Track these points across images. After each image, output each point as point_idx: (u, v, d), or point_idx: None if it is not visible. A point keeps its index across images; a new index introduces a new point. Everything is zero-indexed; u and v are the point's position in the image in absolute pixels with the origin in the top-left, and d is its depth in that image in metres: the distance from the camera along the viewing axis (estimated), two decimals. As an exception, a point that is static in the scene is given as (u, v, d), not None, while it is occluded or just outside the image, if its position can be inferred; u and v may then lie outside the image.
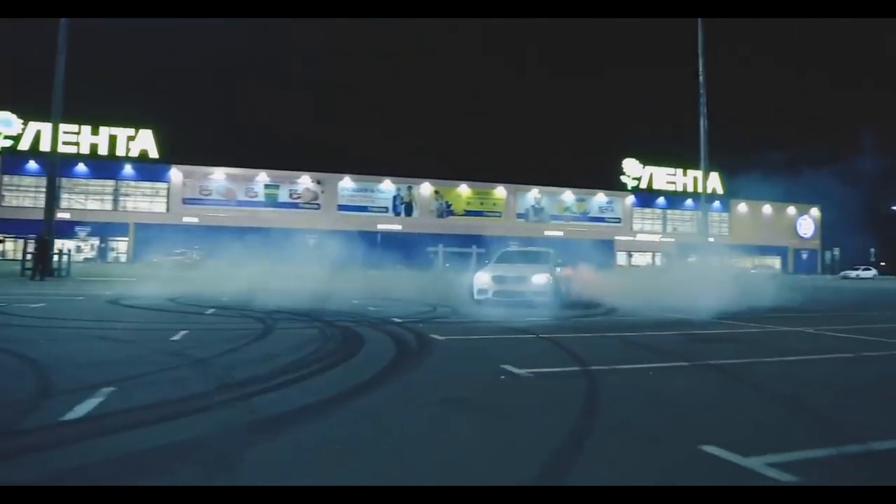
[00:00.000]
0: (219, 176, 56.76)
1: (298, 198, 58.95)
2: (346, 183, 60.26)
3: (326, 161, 58.39)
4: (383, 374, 5.17)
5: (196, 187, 56.27)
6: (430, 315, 11.17)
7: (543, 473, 2.80)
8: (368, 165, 60.68)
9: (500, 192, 63.67)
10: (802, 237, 73.60)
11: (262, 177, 57.84)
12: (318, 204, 59.18)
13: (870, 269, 61.34)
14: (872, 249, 72.54)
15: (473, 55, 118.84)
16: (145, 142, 54.01)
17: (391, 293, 16.95)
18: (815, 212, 74.48)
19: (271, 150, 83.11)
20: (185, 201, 55.58)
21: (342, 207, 59.59)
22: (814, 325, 10.23)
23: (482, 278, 13.77)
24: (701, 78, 30.08)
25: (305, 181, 58.98)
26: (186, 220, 52.71)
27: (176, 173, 55.39)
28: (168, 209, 55.07)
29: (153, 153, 54.15)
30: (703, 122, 30.11)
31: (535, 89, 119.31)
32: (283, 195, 58.57)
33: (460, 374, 5.44)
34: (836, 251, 72.26)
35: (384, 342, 7.14)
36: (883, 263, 70.98)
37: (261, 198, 57.93)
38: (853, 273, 58.38)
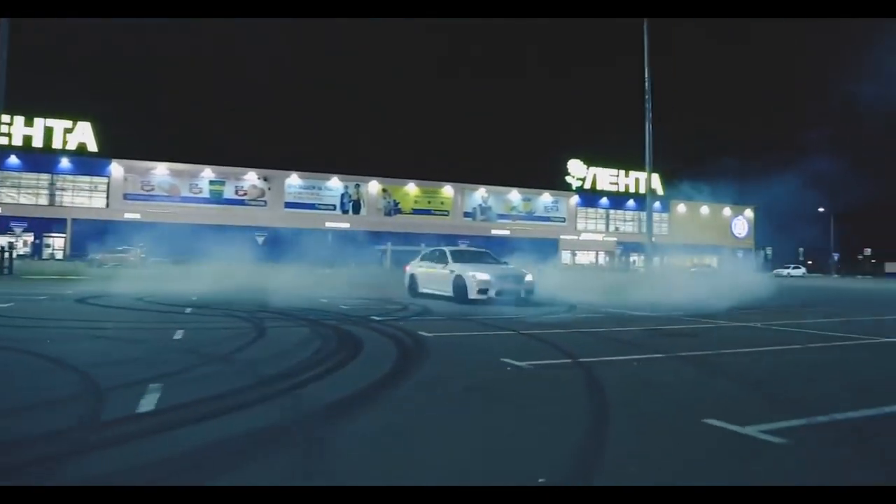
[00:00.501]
0: (162, 171, 55.28)
1: (245, 194, 58.00)
2: (294, 180, 59.63)
3: (273, 158, 57.84)
4: (398, 367, 5.56)
5: (138, 182, 54.64)
6: (405, 313, 11.51)
7: (585, 445, 3.32)
8: (316, 163, 60.33)
9: (447, 191, 64.13)
10: (737, 237, 76.74)
11: (207, 173, 56.65)
12: (264, 201, 58.37)
13: (799, 268, 64.89)
14: (801, 249, 76.47)
15: (423, 57, 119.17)
16: (83, 134, 52.11)
17: (354, 291, 17.18)
18: (748, 213, 77.80)
19: (217, 146, 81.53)
20: (127, 197, 53.91)
21: (289, 205, 58.95)
22: (760, 320, 11.03)
23: (482, 277, 14.05)
24: (647, 85, 30.94)
25: (252, 178, 58.08)
26: (128, 216, 51.15)
27: (116, 168, 53.67)
28: (108, 205, 53.32)
29: (92, 146, 52.31)
30: (648, 127, 31.00)
31: (484, 90, 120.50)
32: (228, 192, 57.48)
33: (467, 366, 5.91)
34: (769, 250, 75.86)
35: (379, 340, 7.51)
36: (810, 262, 74.90)
37: (206, 194, 56.71)
38: (785, 271, 61.47)
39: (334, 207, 60.88)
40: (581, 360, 6.05)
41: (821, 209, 73.47)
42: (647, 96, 30.71)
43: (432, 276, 15.97)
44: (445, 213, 64.03)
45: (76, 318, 9.64)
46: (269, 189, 58.41)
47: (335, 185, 61.03)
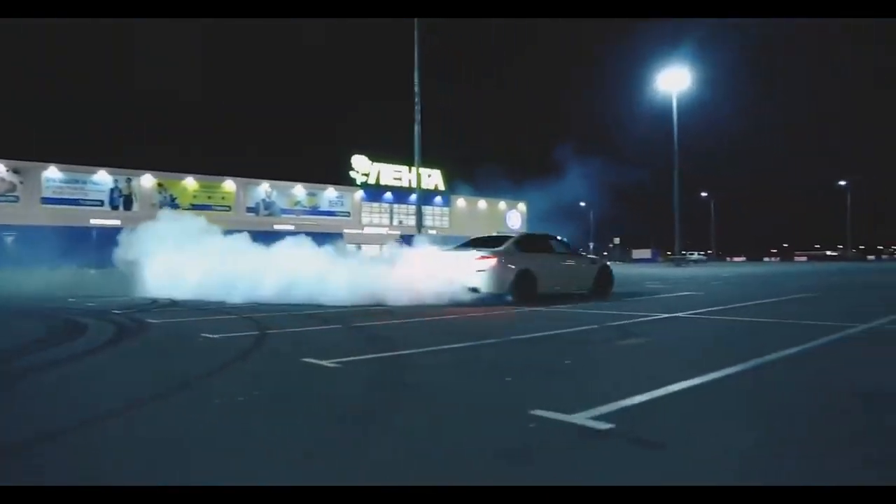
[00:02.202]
0: None
1: (-10, 189, 52.08)
2: (52, 173, 54.61)
3: (27, 148, 52.66)
4: (116, 337, 6.79)
5: None
6: (151, 306, 12.30)
7: (246, 355, 4.80)
8: (80, 155, 55.89)
9: (228, 185, 62.86)
10: (511, 228, 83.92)
11: (-59, 164, 50.05)
12: (16, 196, 52.84)
13: (561, 256, 73.17)
14: (564, 239, 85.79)
15: (203, 45, 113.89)
16: None
17: (107, 290, 17.07)
18: (521, 206, 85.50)
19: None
20: None
21: (47, 200, 53.93)
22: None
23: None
24: (417, 88, 33.29)
25: (-1, 170, 52.29)
26: None
27: None
28: None
29: None
30: (417, 129, 33.47)
31: (267, 84, 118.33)
32: (-31, 186, 51.25)
33: (173, 337, 7.49)
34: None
35: (105, 326, 8.56)
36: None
37: (-61, 189, 50.10)
38: (548, 260, 69.14)
39: (102, 203, 56.86)
40: (267, 332, 7.77)
41: (582, 203, 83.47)
42: (416, 100, 33.36)
43: (565, 271, 13.61)
44: (227, 207, 62.67)
45: None
46: (22, 183, 53.00)
47: (103, 178, 56.94)
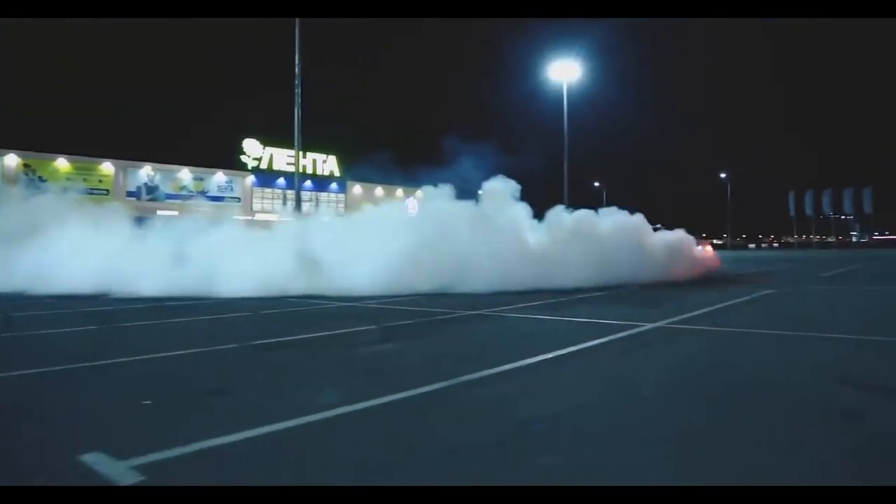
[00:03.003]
0: None
1: None
2: None
3: None
4: None
5: None
6: None
7: None
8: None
9: (106, 167, 59.05)
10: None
11: None
12: None
13: (456, 243, 73.68)
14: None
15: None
16: None
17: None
18: (419, 194, 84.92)
19: None
20: None
21: None
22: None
23: None
24: (297, 70, 32.19)
25: None
26: None
27: None
28: None
29: None
30: (297, 112, 32.42)
31: (151, 60, 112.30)
32: None
33: None
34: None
35: None
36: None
37: None
38: (446, 247, 69.26)
39: (-43, 185, 52.05)
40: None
41: (480, 192, 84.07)
42: (297, 83, 32.21)
43: None
44: (105, 192, 58.88)
45: None
46: None
47: (-43, 157, 52.18)
